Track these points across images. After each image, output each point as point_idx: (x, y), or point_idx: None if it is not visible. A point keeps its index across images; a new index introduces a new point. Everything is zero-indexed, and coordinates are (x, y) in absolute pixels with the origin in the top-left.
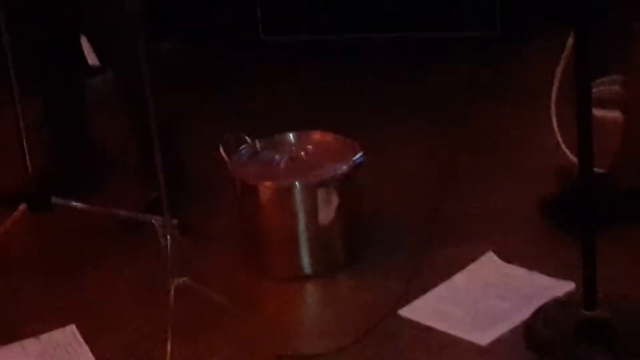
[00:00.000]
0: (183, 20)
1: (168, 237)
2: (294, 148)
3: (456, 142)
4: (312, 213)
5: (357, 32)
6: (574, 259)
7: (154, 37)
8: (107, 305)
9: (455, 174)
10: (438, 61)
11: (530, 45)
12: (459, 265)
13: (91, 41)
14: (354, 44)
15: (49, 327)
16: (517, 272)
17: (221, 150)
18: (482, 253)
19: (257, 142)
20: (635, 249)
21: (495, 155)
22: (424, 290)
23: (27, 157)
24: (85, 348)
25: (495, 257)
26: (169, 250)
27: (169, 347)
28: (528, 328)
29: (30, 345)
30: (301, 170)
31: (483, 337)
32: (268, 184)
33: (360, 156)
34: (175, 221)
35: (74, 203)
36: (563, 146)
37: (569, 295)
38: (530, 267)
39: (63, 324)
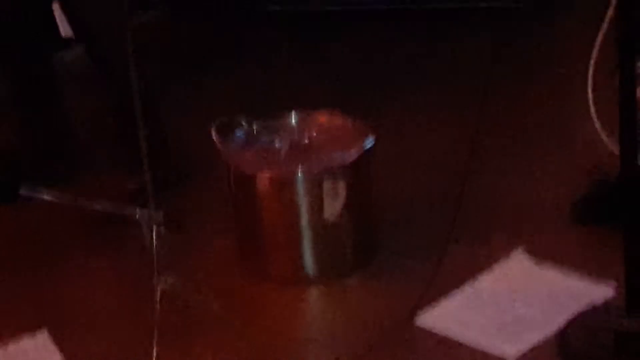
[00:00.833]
0: None
1: (153, 232)
2: (295, 132)
3: (479, 127)
4: (317, 207)
5: (370, 3)
6: (614, 259)
7: (138, 3)
8: (83, 308)
9: (479, 163)
10: (460, 34)
11: (561, 16)
12: (483, 266)
13: (64, 8)
14: (366, 14)
15: (17, 333)
16: (549, 275)
17: (213, 135)
18: (509, 252)
19: (254, 124)
20: None
21: (524, 140)
22: (443, 295)
23: None
24: (58, 357)
25: (524, 257)
26: (154, 247)
27: (154, 355)
28: (561, 339)
29: None
30: (304, 158)
31: (510, 350)
32: (266, 173)
33: (371, 141)
34: (160, 213)
35: (44, 196)
36: (602, 134)
37: (608, 301)
38: (563, 268)
39: (33, 329)
